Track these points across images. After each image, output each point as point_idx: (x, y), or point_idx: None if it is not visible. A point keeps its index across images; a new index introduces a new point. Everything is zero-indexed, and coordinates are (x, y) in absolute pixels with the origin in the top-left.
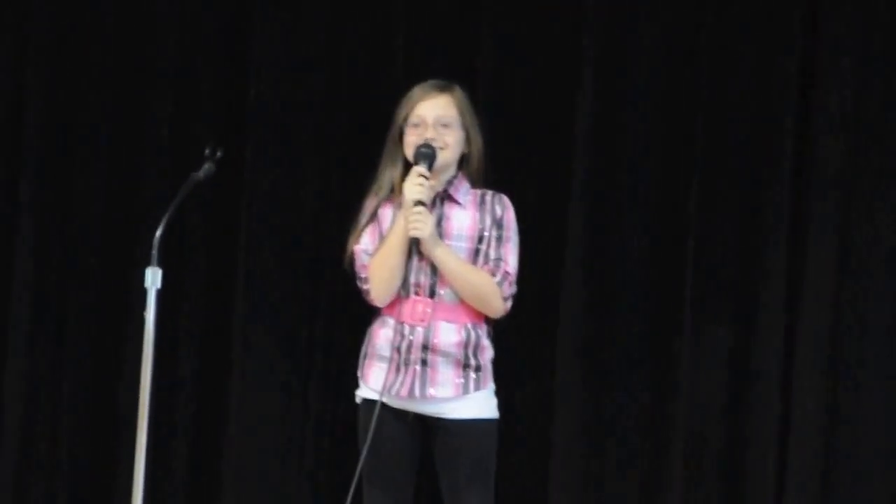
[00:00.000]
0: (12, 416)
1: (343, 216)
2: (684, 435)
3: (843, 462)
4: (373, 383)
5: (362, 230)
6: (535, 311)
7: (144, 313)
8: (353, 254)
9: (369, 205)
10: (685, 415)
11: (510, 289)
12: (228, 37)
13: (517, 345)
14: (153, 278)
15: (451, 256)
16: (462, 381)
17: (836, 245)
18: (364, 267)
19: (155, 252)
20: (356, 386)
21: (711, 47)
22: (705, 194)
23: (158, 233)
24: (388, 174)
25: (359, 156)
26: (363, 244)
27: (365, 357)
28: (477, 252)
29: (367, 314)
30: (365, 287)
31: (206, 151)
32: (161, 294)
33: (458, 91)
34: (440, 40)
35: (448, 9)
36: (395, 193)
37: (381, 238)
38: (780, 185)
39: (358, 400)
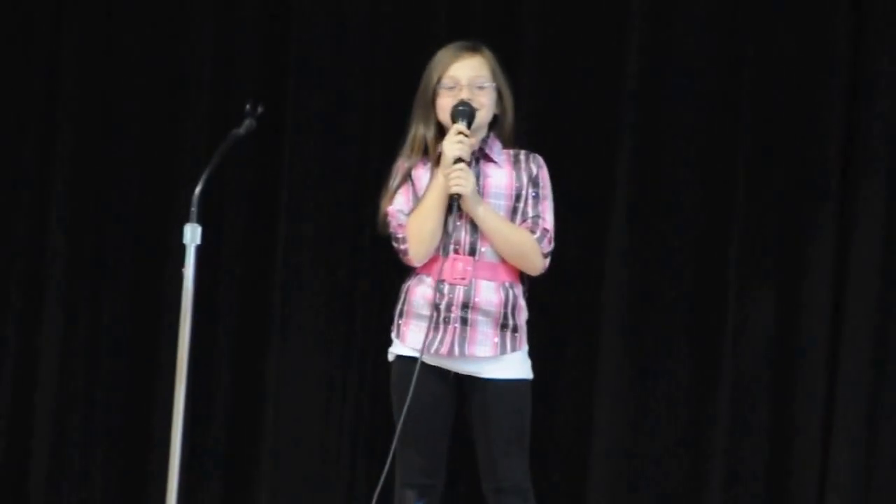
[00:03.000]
0: (48, 371)
1: (383, 172)
2: (729, 405)
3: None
4: (410, 341)
5: (395, 191)
6: (578, 271)
7: (183, 269)
8: (387, 215)
9: (401, 166)
10: (729, 384)
11: (549, 246)
12: None
13: (560, 305)
14: (192, 235)
15: (492, 214)
16: (499, 340)
17: (883, 222)
18: (401, 227)
19: (194, 209)
20: (388, 343)
21: (757, 17)
22: (752, 171)
23: (198, 189)
24: (421, 136)
25: (399, 114)
26: (397, 205)
27: (401, 315)
28: (515, 210)
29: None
30: (402, 247)
31: (247, 108)
32: (200, 250)
33: (488, 52)
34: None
35: None
36: (428, 155)
37: (416, 199)
38: (827, 161)
39: (391, 357)
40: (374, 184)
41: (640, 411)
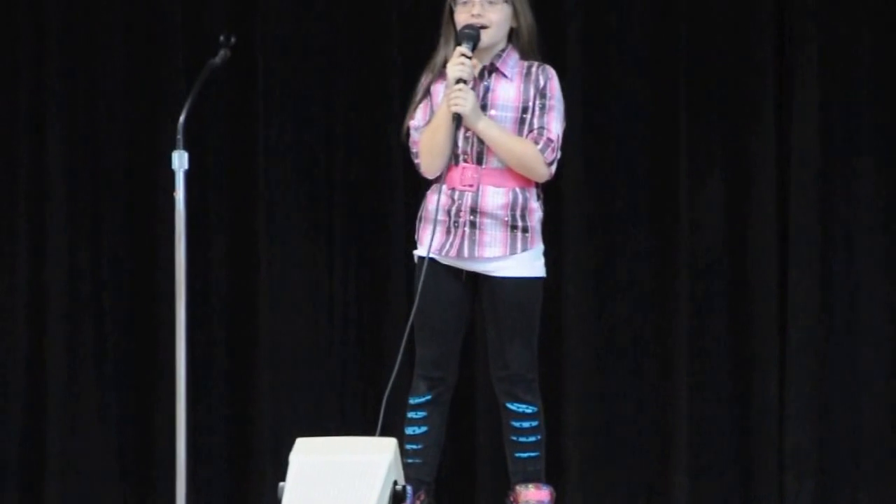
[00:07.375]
0: (56, 293)
1: (352, 84)
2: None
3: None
4: (426, 244)
5: (416, 106)
6: None
7: (175, 194)
8: (408, 129)
9: (424, 82)
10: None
11: (553, 154)
12: None
13: None
14: (180, 161)
15: (493, 128)
16: (509, 241)
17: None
18: (415, 143)
19: (180, 136)
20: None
21: None
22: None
23: (182, 118)
24: (442, 52)
25: (364, 29)
26: (416, 120)
27: (420, 220)
28: (522, 121)
29: (381, 167)
30: (416, 161)
31: (221, 38)
32: (188, 175)
33: None
34: None
35: None
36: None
37: (433, 113)
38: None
39: (416, 259)
40: (344, 96)
41: (606, 281)
